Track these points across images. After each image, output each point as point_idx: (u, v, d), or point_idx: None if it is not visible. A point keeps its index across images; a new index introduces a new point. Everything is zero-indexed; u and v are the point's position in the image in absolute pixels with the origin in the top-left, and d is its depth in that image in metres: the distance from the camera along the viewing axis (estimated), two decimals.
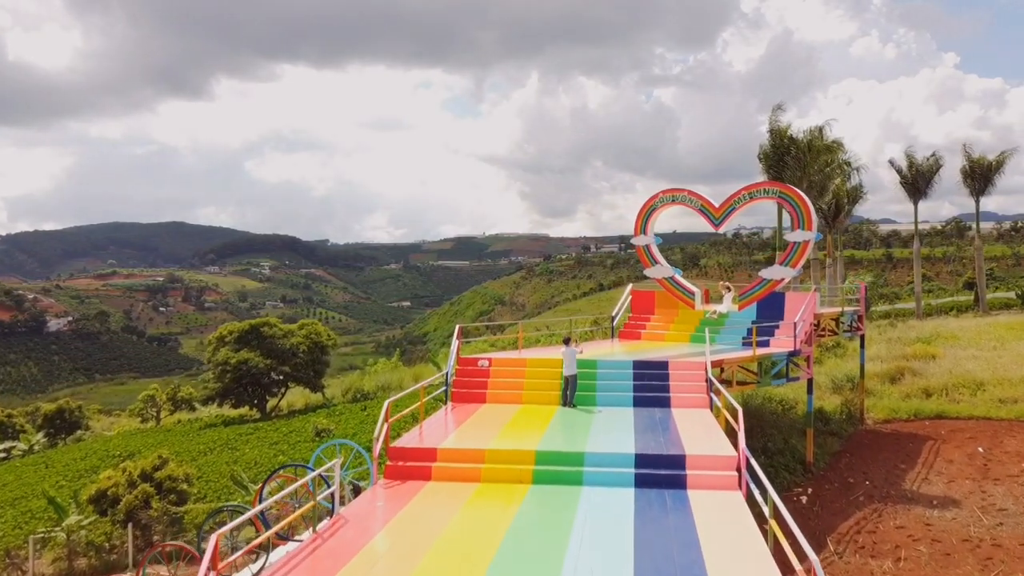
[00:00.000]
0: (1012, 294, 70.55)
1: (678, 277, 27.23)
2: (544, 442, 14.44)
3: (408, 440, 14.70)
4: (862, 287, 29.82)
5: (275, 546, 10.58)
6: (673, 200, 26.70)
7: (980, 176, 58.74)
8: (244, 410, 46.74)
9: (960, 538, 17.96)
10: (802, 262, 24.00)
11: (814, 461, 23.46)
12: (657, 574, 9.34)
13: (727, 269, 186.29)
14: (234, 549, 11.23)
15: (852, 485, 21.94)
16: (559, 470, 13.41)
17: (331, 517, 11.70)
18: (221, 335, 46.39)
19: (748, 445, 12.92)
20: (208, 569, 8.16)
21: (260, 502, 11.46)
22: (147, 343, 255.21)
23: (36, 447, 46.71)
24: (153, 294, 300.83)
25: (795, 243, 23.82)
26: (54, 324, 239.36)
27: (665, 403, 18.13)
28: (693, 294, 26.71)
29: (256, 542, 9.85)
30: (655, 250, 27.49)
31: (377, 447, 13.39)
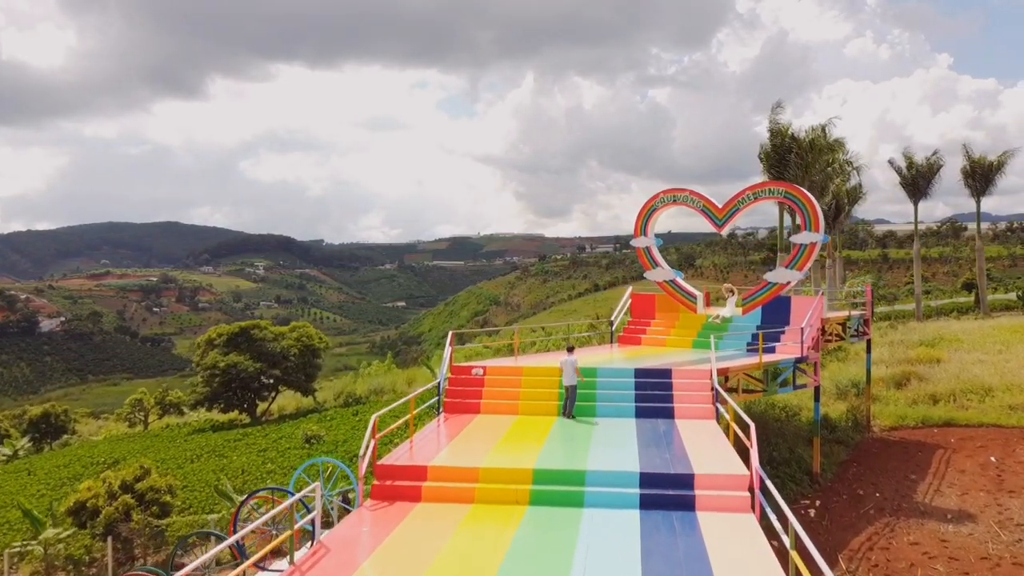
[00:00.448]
0: (1013, 295, 69.91)
1: (679, 280, 26.33)
2: (542, 459, 13.53)
3: (397, 457, 13.75)
4: (868, 290, 28.94)
5: None
6: (674, 200, 25.82)
7: (981, 176, 58.05)
8: (234, 414, 45.72)
9: (978, 556, 17.09)
10: (809, 265, 23.14)
11: (821, 472, 22.60)
12: None
13: (723, 270, 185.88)
14: None
15: (862, 497, 21.07)
16: (558, 490, 12.52)
17: (312, 544, 10.79)
18: (210, 337, 45.33)
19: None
20: None
21: (235, 527, 10.54)
22: (140, 344, 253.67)
23: (21, 452, 45.64)
24: (147, 294, 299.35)
25: (802, 245, 22.95)
26: (46, 324, 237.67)
27: (669, 414, 17.26)
28: (695, 298, 25.82)
29: None
30: (656, 252, 26.61)
31: (363, 465, 12.45)
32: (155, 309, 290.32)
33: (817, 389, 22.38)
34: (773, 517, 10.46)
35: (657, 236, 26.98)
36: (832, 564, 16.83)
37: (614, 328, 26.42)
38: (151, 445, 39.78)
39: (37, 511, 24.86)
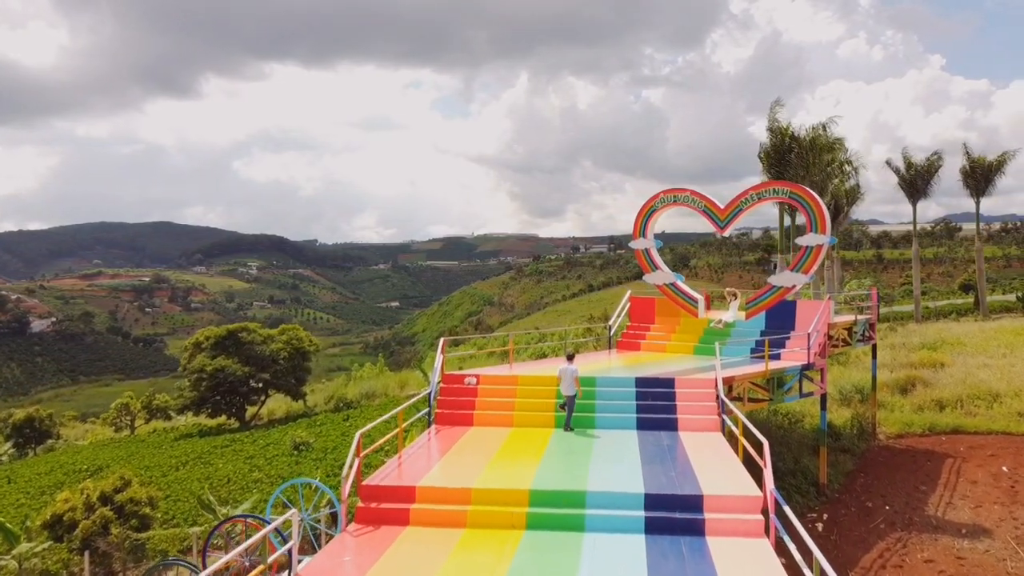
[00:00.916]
0: (1012, 297, 69.25)
1: (680, 283, 25.41)
2: (539, 478, 12.59)
3: (383, 476, 12.80)
4: (873, 293, 28.10)
5: None
6: (675, 200, 24.92)
7: (981, 176, 57.36)
8: (222, 419, 44.71)
9: (996, 575, 16.28)
10: (815, 268, 22.27)
11: (828, 482, 21.77)
12: None
13: (718, 270, 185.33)
14: None
15: (871, 510, 20.24)
16: (557, 513, 11.61)
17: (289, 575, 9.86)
18: (197, 340, 44.35)
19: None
20: None
21: (205, 559, 9.61)
22: (133, 344, 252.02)
23: (4, 458, 44.61)
24: (139, 294, 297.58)
25: (808, 247, 22.08)
26: (37, 325, 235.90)
27: (672, 425, 16.36)
28: (696, 302, 24.93)
29: None
30: (655, 254, 25.72)
31: (346, 488, 11.50)
32: (147, 309, 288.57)
33: (824, 397, 21.55)
34: (793, 548, 9.56)
35: (656, 238, 26.10)
36: None
37: (612, 333, 25.49)
38: (136, 451, 38.79)
39: (15, 522, 23.94)
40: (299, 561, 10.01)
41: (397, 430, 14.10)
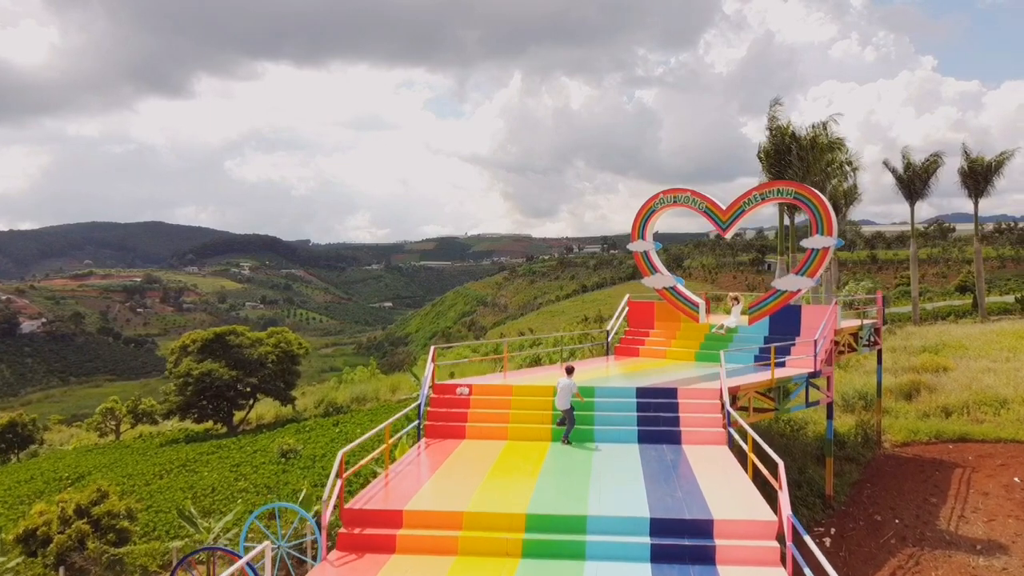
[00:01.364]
0: (1011, 298, 68.68)
1: (680, 287, 24.54)
2: (536, 500, 11.69)
3: (368, 498, 11.87)
4: (879, 297, 27.28)
5: None
6: (675, 201, 24.06)
7: (981, 176, 56.75)
8: (209, 424, 43.72)
9: None
10: (821, 271, 21.43)
11: (834, 494, 20.94)
12: None
13: (712, 271, 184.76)
14: None
15: (880, 524, 19.41)
16: (555, 539, 10.73)
17: None
18: (184, 344, 43.36)
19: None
20: None
21: None
22: (124, 345, 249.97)
23: None
24: (131, 295, 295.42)
25: (813, 250, 21.25)
26: (27, 326, 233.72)
27: (675, 439, 15.50)
28: (697, 306, 24.09)
29: None
30: (654, 257, 24.86)
31: (327, 514, 10.60)
32: (139, 310, 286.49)
33: (830, 405, 20.71)
34: None
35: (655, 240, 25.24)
36: None
37: (610, 339, 24.61)
38: (120, 458, 37.77)
39: None
40: None
41: (384, 447, 13.19)
